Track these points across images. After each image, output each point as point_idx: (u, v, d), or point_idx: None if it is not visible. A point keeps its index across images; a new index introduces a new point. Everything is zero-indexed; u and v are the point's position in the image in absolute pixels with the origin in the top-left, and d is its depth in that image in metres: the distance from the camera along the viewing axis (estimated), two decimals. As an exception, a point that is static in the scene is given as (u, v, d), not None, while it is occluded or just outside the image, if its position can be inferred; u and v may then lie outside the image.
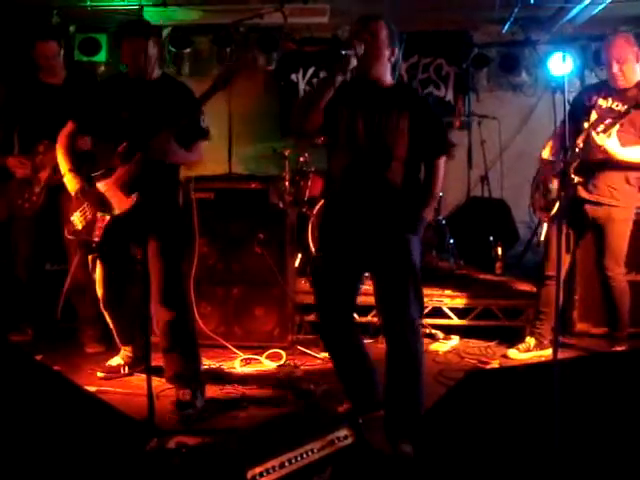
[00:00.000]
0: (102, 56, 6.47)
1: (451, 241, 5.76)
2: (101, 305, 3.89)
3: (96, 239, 3.54)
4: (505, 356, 4.45)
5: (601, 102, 4.10)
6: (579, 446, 2.30)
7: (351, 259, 3.18)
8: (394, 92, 3.16)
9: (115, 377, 4.04)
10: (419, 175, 3.23)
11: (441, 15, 6.29)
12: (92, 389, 3.68)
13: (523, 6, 5.71)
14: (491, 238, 5.90)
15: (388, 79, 3.19)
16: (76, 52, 6.41)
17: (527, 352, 4.40)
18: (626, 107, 3.90)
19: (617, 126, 3.92)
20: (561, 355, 2.50)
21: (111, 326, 3.99)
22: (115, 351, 4.20)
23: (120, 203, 3.49)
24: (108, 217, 3.52)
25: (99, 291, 3.83)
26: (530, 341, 4.43)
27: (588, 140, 4.01)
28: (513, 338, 4.64)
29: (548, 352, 4.36)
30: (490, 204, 6.54)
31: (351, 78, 3.23)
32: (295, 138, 5.81)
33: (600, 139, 3.93)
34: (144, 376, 3.05)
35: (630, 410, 2.38)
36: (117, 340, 4.08)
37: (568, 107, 4.32)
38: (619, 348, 4.24)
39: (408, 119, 3.07)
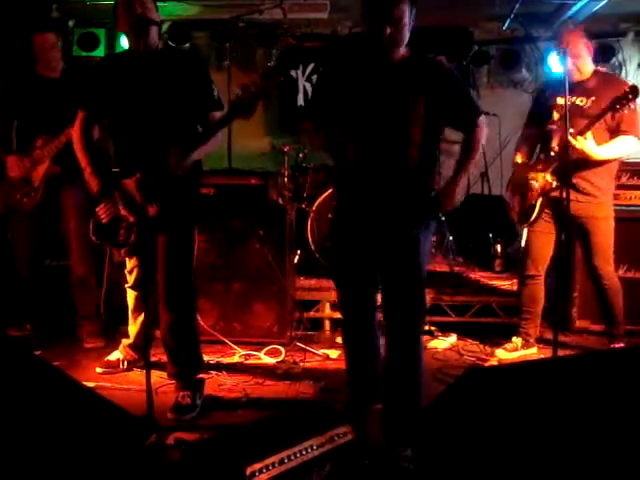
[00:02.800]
0: (101, 51, 6.46)
1: (450, 238, 5.76)
2: (130, 285, 3.95)
3: (121, 238, 3.38)
4: (493, 355, 4.44)
5: (560, 101, 4.02)
6: (578, 444, 2.30)
7: (364, 253, 3.13)
8: (409, 67, 3.00)
9: (114, 372, 4.04)
10: (435, 159, 3.17)
11: (441, 12, 6.28)
12: (91, 384, 3.68)
13: (523, 3, 5.71)
14: (490, 235, 5.91)
15: (402, 49, 3.00)
16: (75, 47, 6.40)
17: (514, 351, 4.40)
18: (603, 109, 3.84)
19: (593, 128, 3.88)
20: (559, 353, 2.50)
21: (130, 305, 4.02)
22: (114, 346, 4.21)
23: (142, 209, 3.30)
24: (132, 218, 3.33)
25: (131, 275, 3.91)
26: (517, 341, 4.43)
27: (563, 142, 3.95)
28: (512, 335, 4.63)
29: (534, 350, 4.42)
30: (490, 201, 6.53)
31: (362, 48, 3.06)
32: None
33: (579, 143, 3.87)
34: (143, 371, 3.05)
35: (628, 408, 2.38)
36: (130, 317, 4.06)
37: (529, 107, 4.37)
38: (617, 345, 4.25)
39: (424, 102, 2.95)
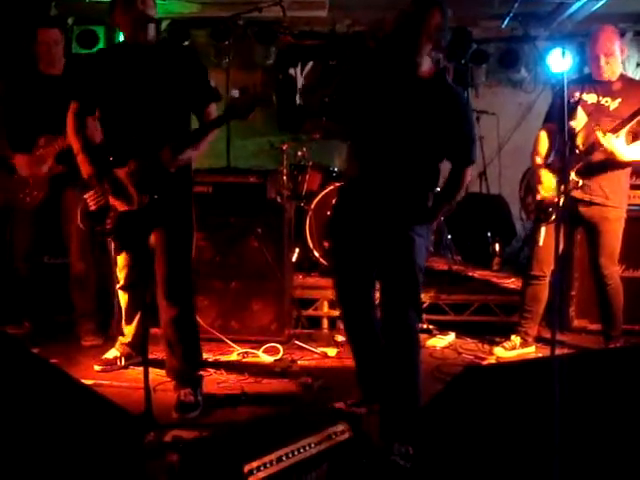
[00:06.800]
0: (100, 48, 6.45)
1: (449, 237, 5.76)
2: (120, 286, 3.95)
3: (108, 227, 3.39)
4: (491, 354, 4.44)
5: (586, 98, 4.05)
6: (576, 442, 2.30)
7: (361, 251, 3.20)
8: (430, 87, 3.04)
9: (112, 370, 4.04)
10: (438, 176, 3.21)
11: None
12: (89, 382, 3.67)
13: (522, 2, 5.72)
14: (489, 234, 5.91)
15: (425, 68, 3.05)
16: (74, 44, 6.39)
17: (513, 350, 4.40)
18: (635, 112, 3.82)
19: (627, 128, 3.86)
20: (556, 351, 2.50)
21: (123, 306, 4.02)
22: (112, 344, 4.21)
23: (132, 199, 3.34)
24: (120, 207, 3.36)
25: (121, 274, 3.88)
26: (516, 339, 4.42)
27: (588, 141, 3.97)
28: (511, 333, 4.63)
29: (532, 349, 4.42)
30: (488, 200, 6.54)
31: (384, 53, 3.09)
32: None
33: (606, 140, 3.85)
34: (141, 369, 3.05)
35: (624, 406, 2.39)
36: (124, 318, 4.06)
37: (550, 106, 4.33)
38: (614, 345, 4.24)
39: (438, 123, 3.02)
